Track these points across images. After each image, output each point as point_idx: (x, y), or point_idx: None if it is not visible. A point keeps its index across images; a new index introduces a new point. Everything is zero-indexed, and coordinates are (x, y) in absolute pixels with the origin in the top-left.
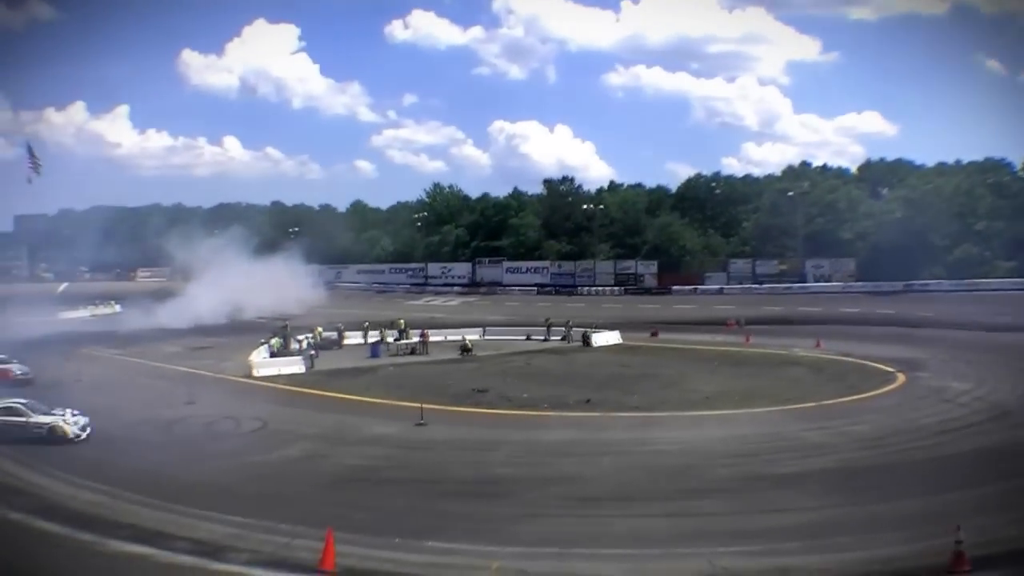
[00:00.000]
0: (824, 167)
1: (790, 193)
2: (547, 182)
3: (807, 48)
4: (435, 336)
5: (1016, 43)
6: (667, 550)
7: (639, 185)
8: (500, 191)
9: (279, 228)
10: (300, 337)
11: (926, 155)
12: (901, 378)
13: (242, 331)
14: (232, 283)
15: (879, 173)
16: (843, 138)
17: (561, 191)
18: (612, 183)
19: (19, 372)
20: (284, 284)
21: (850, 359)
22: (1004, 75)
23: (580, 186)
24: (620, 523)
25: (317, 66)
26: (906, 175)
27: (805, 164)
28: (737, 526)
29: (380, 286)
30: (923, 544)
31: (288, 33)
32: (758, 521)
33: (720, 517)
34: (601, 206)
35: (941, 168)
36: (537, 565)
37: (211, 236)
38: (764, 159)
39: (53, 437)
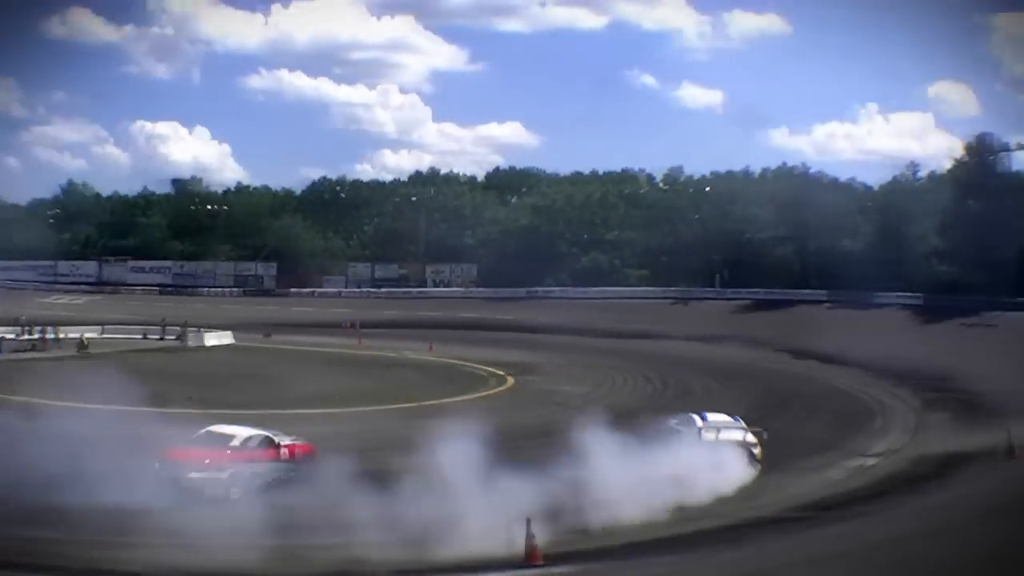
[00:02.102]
0: (452, 173)
1: (414, 198)
2: (175, 182)
3: (453, 57)
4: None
5: (672, 59)
6: (246, 540)
7: (265, 187)
8: (136, 190)
9: None
10: None
11: (569, 166)
12: (511, 381)
13: None
14: None
15: (508, 180)
16: (483, 148)
17: (188, 191)
18: (239, 184)
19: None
20: None
21: (461, 362)
22: (658, 89)
23: (207, 187)
24: (210, 518)
25: None
26: (536, 183)
27: (433, 170)
28: (325, 519)
29: (11, 283)
30: (501, 539)
31: None
32: (345, 515)
33: (310, 510)
34: (225, 207)
35: (576, 177)
36: None
37: None
38: (399, 166)
39: None
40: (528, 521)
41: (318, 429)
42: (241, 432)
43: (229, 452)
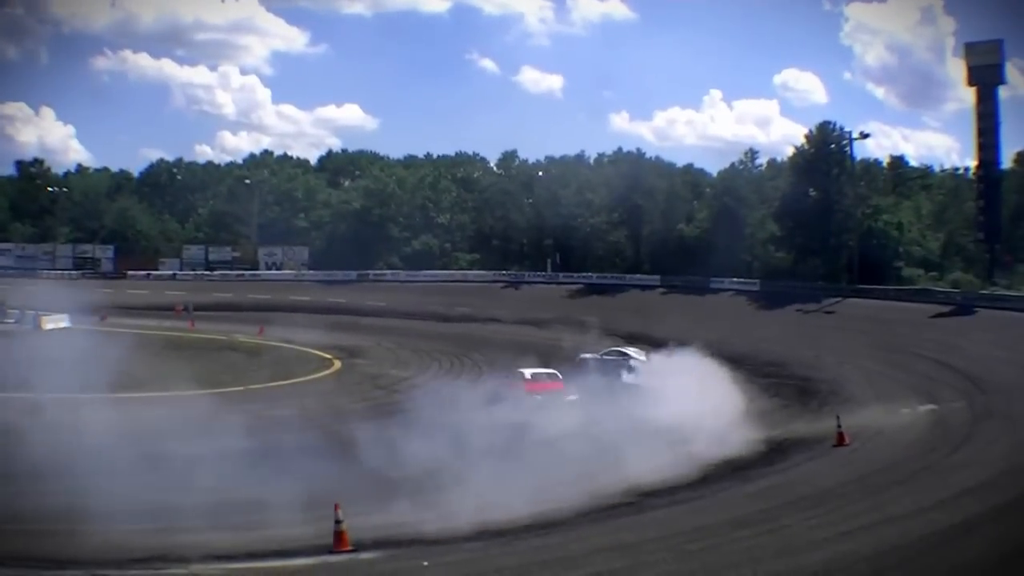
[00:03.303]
0: (285, 156)
1: (247, 181)
2: (18, 163)
3: (294, 39)
4: None
5: (513, 43)
6: (66, 526)
7: (105, 169)
8: None
9: None
10: None
11: (407, 149)
12: (337, 364)
13: None
14: None
15: (340, 163)
16: (321, 130)
17: (31, 173)
18: (80, 166)
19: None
20: None
21: (290, 346)
22: (498, 74)
23: (49, 168)
24: (22, 501)
25: None
26: (369, 166)
27: (267, 152)
28: (138, 504)
29: None
30: (315, 525)
31: None
32: (159, 499)
33: (122, 495)
34: (65, 189)
35: (409, 161)
36: None
37: None
38: (238, 147)
39: None
40: (336, 507)
41: (143, 412)
42: (549, 369)
43: (562, 380)
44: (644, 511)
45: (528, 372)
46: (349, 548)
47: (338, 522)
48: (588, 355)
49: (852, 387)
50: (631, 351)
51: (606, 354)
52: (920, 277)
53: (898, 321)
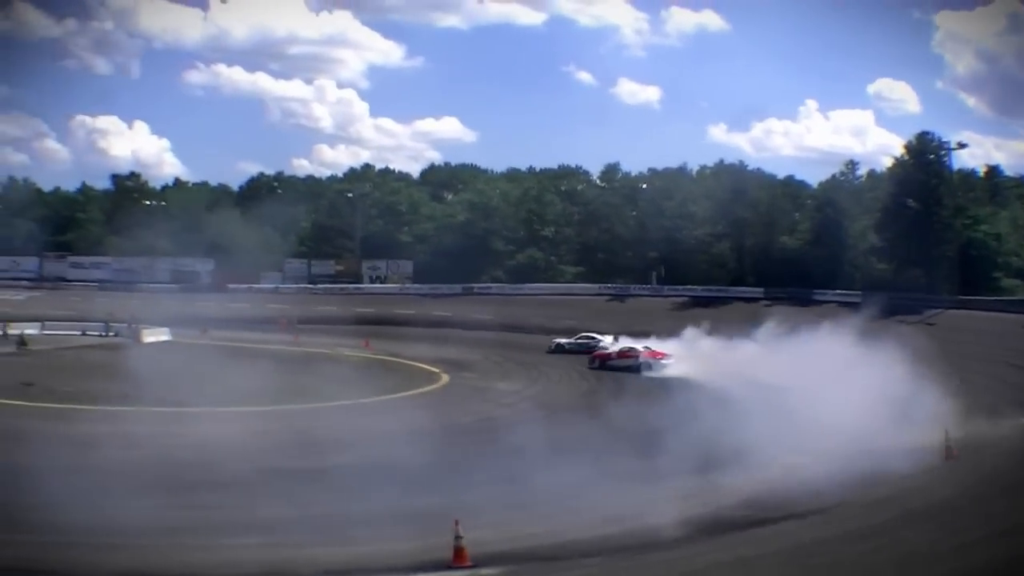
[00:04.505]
0: (387, 169)
1: (350, 194)
2: (115, 177)
3: (390, 53)
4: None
5: (609, 55)
6: (175, 540)
7: (204, 183)
8: (77, 185)
9: None
10: None
11: (506, 162)
12: (445, 378)
13: None
14: None
15: (443, 177)
16: (419, 143)
17: (128, 187)
18: (178, 180)
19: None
20: None
21: (396, 359)
22: (595, 86)
23: (146, 182)
24: (130, 515)
25: None
26: (471, 179)
27: (368, 166)
28: (249, 518)
29: None
30: (430, 540)
31: None
32: (270, 514)
33: (232, 509)
34: (163, 203)
35: (512, 174)
36: None
37: None
38: (336, 161)
39: None
40: (456, 523)
41: (251, 426)
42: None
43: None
44: (761, 524)
45: (640, 345)
46: (469, 564)
47: (458, 537)
48: (563, 340)
49: (955, 398)
50: (598, 336)
51: (579, 339)
52: (1019, 287)
53: (998, 332)
